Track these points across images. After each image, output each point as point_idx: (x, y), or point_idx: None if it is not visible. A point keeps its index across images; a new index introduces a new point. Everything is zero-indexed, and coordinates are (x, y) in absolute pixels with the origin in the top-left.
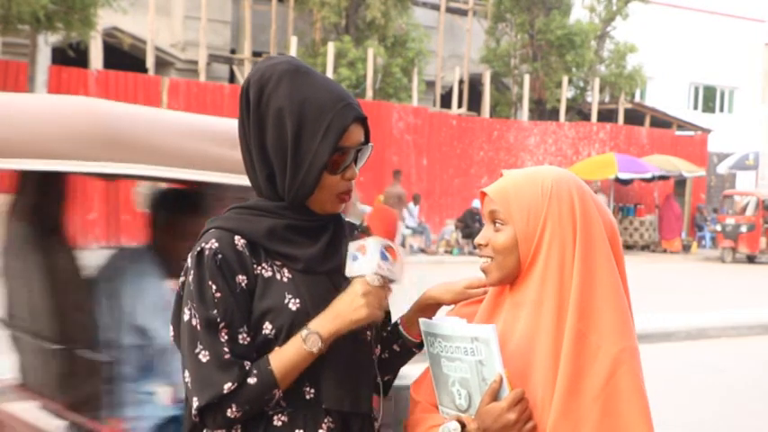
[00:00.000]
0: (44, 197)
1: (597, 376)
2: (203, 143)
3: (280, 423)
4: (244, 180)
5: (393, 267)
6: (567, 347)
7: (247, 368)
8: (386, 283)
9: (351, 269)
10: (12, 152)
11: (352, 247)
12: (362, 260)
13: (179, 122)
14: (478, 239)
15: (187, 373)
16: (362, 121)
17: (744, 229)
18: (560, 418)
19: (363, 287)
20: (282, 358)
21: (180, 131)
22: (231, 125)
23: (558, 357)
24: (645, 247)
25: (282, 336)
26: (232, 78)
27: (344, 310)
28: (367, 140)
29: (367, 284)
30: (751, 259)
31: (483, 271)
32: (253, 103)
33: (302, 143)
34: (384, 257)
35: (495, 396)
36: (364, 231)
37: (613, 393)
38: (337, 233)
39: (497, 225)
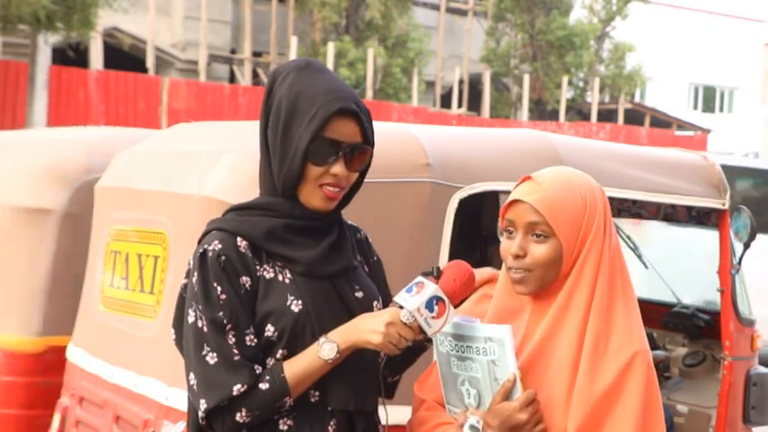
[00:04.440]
0: (483, 212)
1: (611, 372)
2: (623, 166)
3: (285, 427)
4: (659, 198)
5: (431, 321)
6: (588, 347)
7: (258, 372)
8: (415, 327)
9: (399, 295)
10: (489, 176)
11: (418, 278)
12: (411, 295)
13: (602, 147)
14: (515, 250)
15: (192, 376)
16: (354, 115)
17: None
18: (576, 410)
19: (392, 317)
20: (296, 366)
21: (605, 155)
22: (644, 152)
23: (578, 362)
24: None
25: (285, 338)
26: (232, 78)
27: (362, 329)
28: (366, 142)
29: (397, 317)
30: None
31: (518, 282)
32: (264, 97)
33: (290, 130)
34: (430, 307)
35: (507, 396)
36: (436, 276)
37: (628, 390)
38: (340, 237)
39: (538, 237)
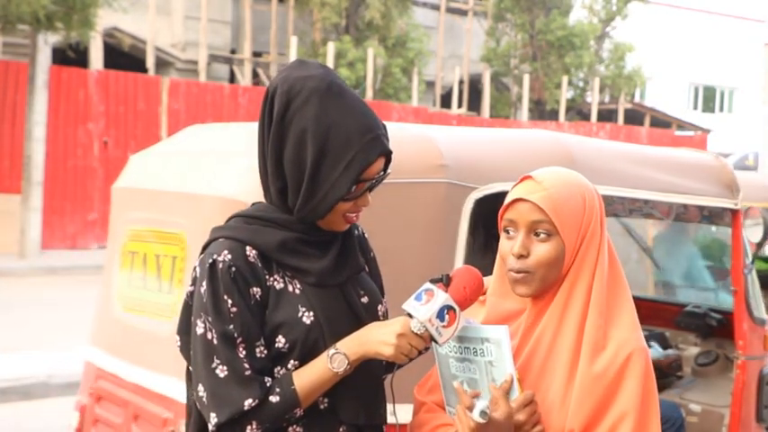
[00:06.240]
0: (497, 212)
1: (612, 368)
2: (635, 166)
3: None
4: (672, 198)
5: (442, 330)
6: (587, 341)
7: (268, 384)
8: (426, 337)
9: (408, 303)
10: (504, 177)
11: (426, 285)
12: (421, 304)
13: (614, 148)
14: (518, 250)
15: (201, 388)
16: (386, 152)
17: None
18: (579, 408)
19: (402, 328)
20: (306, 378)
21: (617, 155)
22: (656, 152)
23: (576, 362)
24: None
25: (297, 349)
26: (232, 78)
27: (373, 340)
28: (386, 167)
29: (408, 327)
30: None
31: (520, 283)
32: (276, 114)
33: (321, 171)
34: (441, 316)
35: (506, 396)
36: (445, 283)
37: (627, 383)
38: (346, 242)
39: (541, 236)
